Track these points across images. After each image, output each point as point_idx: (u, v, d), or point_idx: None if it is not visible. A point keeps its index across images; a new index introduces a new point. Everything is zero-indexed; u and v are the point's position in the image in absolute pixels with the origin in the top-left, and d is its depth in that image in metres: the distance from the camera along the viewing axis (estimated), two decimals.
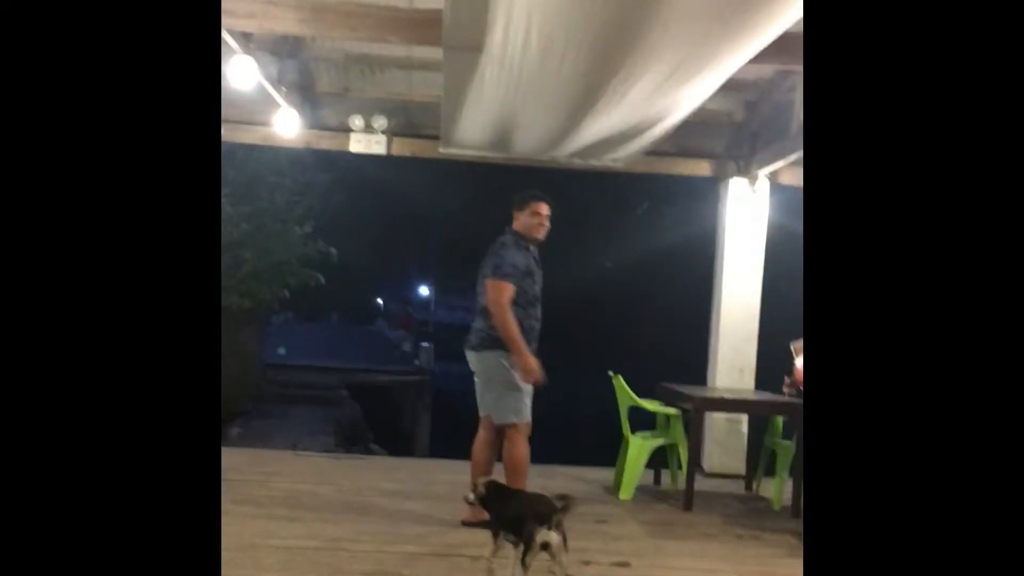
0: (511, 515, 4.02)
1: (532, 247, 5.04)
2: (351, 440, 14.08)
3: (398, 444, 16.35)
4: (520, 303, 4.93)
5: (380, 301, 47.94)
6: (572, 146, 6.08)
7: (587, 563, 4.58)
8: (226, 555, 4.34)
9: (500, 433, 5.03)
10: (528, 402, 4.98)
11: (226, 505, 5.31)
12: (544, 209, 4.99)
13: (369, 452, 14.45)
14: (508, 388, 4.93)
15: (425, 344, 21.71)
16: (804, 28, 2.07)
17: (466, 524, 4.95)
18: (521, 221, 5.02)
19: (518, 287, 4.92)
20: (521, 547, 3.80)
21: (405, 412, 18.18)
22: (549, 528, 3.77)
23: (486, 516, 4.34)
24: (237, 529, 4.81)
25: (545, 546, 3.77)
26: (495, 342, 4.90)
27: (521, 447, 4.99)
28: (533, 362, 4.87)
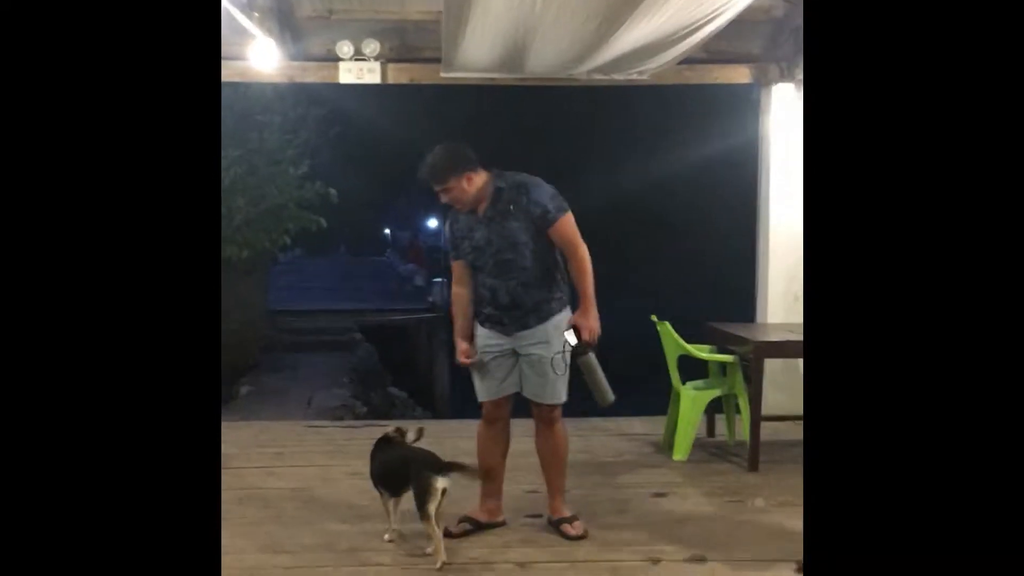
0: (390, 469, 3.99)
1: (470, 213, 4.11)
2: (368, 386, 13.48)
3: (416, 386, 15.77)
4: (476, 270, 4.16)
5: (388, 231, 47.19)
6: (598, 60, 5.19)
7: (656, 560, 3.87)
8: None
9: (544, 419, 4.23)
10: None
11: (228, 504, 4.62)
12: (435, 188, 4.05)
13: (388, 397, 13.88)
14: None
15: (439, 279, 20.94)
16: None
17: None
18: None
19: (462, 259, 4.18)
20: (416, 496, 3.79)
21: (422, 351, 17.54)
22: (446, 475, 3.78)
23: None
24: (239, 543, 4.09)
25: (443, 492, 3.76)
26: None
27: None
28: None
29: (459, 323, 4.23)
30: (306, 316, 17.26)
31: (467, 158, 4.00)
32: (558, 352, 4.03)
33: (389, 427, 4.26)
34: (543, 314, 4.05)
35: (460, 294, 4.24)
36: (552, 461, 4.28)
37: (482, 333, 4.18)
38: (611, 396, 4.09)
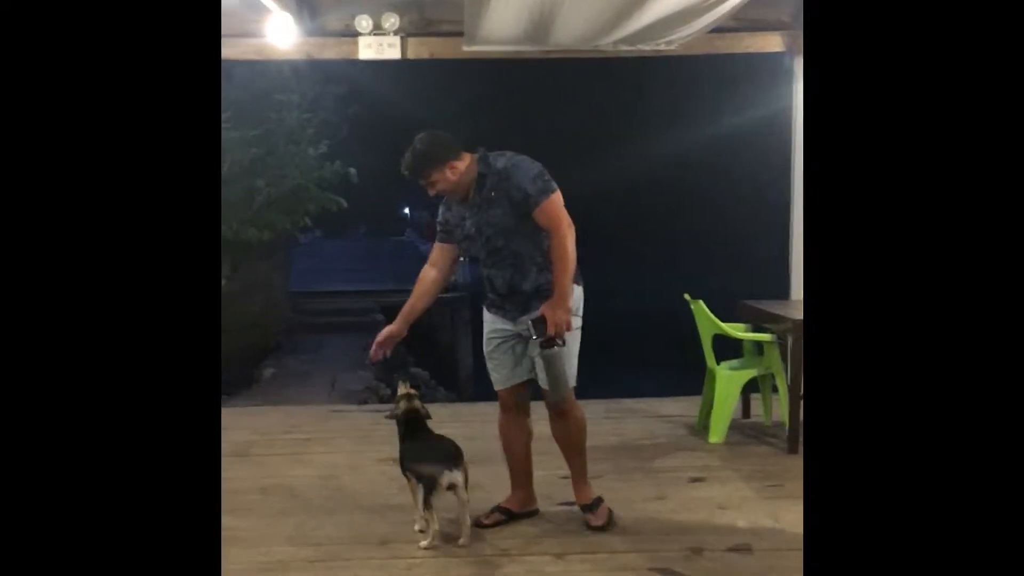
0: (416, 455, 3.85)
1: (461, 200, 3.91)
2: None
3: (439, 367, 15.67)
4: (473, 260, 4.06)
5: (407, 210, 47.06)
6: (626, 30, 4.99)
7: (698, 550, 3.72)
8: None
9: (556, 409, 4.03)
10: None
11: (252, 494, 4.55)
12: (420, 183, 3.89)
13: (412, 378, 13.77)
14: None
15: (460, 259, 20.82)
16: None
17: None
18: None
19: (449, 244, 4.04)
20: (422, 488, 3.73)
21: (444, 332, 17.43)
22: (453, 470, 3.69)
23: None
24: (265, 534, 3.98)
25: (451, 487, 3.70)
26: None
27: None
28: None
29: (409, 302, 4.09)
30: (327, 297, 17.19)
31: (447, 146, 3.81)
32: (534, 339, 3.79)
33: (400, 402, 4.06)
34: (546, 297, 3.79)
35: (426, 273, 4.08)
36: (568, 448, 4.11)
37: (488, 318, 4.03)
38: (562, 394, 3.89)
